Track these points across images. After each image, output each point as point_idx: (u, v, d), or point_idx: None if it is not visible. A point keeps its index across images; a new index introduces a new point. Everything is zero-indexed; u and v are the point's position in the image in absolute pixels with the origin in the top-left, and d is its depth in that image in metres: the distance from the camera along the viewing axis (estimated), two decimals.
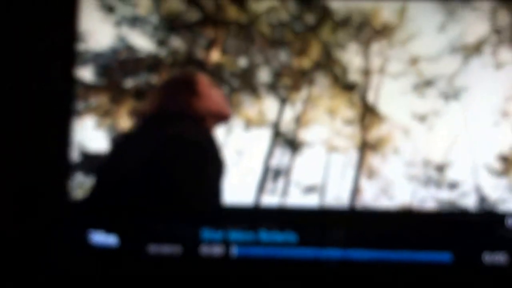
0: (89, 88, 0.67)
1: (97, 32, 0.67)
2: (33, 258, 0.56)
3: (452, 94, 0.63)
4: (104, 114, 0.67)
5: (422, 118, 0.65)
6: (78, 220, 0.58)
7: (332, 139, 0.66)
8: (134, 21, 0.69)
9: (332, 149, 0.65)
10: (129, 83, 0.69)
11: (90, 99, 0.67)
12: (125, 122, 0.67)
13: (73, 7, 0.62)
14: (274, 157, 0.66)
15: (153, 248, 0.57)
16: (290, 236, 0.57)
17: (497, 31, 0.62)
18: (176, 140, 0.58)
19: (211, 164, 0.59)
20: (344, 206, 0.62)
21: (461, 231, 0.57)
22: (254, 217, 0.58)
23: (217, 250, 0.57)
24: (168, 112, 0.62)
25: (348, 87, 0.66)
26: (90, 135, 0.63)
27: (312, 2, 0.67)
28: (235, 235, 0.57)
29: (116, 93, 0.69)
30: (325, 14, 0.67)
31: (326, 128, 0.65)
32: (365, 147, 0.66)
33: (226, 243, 0.57)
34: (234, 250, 0.57)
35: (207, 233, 0.57)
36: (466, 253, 0.56)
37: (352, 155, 0.65)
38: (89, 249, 0.57)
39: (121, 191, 0.57)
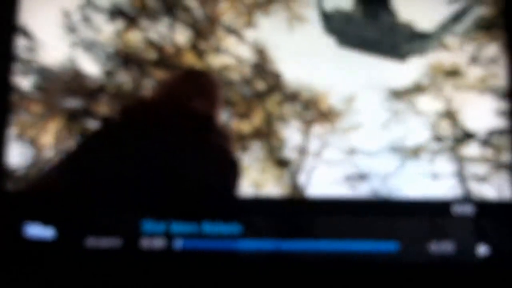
0: (22, 98, 0.64)
1: (51, 46, 0.66)
2: None
3: (383, 195, 0.60)
4: (28, 127, 0.64)
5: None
6: (13, 211, 0.54)
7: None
8: (90, 46, 0.68)
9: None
10: (66, 104, 0.66)
11: (19, 110, 0.64)
12: (47, 140, 0.64)
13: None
14: None
15: (91, 241, 0.52)
16: (234, 228, 0.53)
17: (437, 139, 0.60)
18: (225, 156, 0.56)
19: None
20: (289, 196, 0.60)
21: (407, 220, 0.54)
22: (198, 208, 0.54)
23: (158, 243, 0.53)
24: (198, 115, 0.59)
25: (281, 163, 0.63)
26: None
27: (266, 70, 0.66)
28: (178, 227, 0.53)
29: (49, 110, 0.66)
30: (276, 84, 0.65)
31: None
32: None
33: (168, 236, 0.53)
34: (179, 243, 0.53)
35: (148, 225, 0.53)
36: (413, 242, 0.53)
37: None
38: (24, 242, 0.53)
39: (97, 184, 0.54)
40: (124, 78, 0.68)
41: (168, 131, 0.58)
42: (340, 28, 0.64)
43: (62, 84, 0.67)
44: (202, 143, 0.58)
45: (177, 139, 0.58)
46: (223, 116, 0.66)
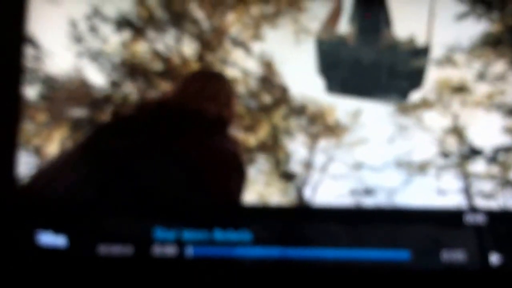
0: (28, 107, 0.64)
1: (58, 56, 0.66)
2: None
3: (389, 209, 0.60)
4: (33, 136, 0.63)
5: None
6: (25, 220, 0.53)
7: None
8: (96, 56, 0.68)
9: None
10: (71, 113, 0.66)
11: (24, 118, 0.64)
12: (51, 149, 0.63)
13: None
14: None
15: (103, 249, 0.52)
16: (244, 235, 0.53)
17: (444, 155, 0.60)
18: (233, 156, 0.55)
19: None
20: (299, 204, 0.58)
21: (419, 229, 0.53)
22: (209, 216, 0.54)
23: (170, 250, 0.52)
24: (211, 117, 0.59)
25: (286, 176, 0.63)
26: None
27: (273, 83, 0.66)
28: (189, 234, 0.52)
29: (54, 119, 0.66)
30: (282, 98, 0.65)
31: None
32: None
33: (180, 243, 0.52)
34: (190, 250, 0.52)
35: (159, 233, 0.52)
36: (424, 251, 0.52)
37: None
38: (37, 250, 0.52)
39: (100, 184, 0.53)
40: (130, 89, 0.68)
41: (179, 133, 0.58)
42: (334, 58, 0.64)
43: (68, 94, 0.67)
44: (210, 146, 0.58)
45: (187, 141, 0.57)
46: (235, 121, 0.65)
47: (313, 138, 0.62)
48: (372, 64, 0.62)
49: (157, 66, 0.68)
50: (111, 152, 0.54)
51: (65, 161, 0.57)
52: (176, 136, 0.55)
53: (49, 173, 0.57)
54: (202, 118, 0.57)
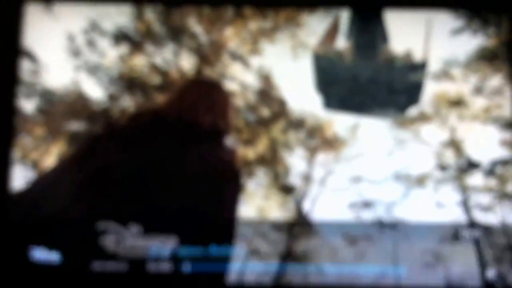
0: (26, 121, 0.64)
1: (55, 70, 0.66)
2: None
3: (388, 223, 0.60)
4: (31, 150, 0.63)
5: (352, 241, 0.61)
6: (19, 236, 0.53)
7: (255, 240, 0.61)
8: (94, 70, 0.68)
9: (253, 253, 0.60)
10: (69, 127, 0.66)
11: (22, 132, 0.64)
12: (49, 163, 0.63)
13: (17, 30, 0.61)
14: None
15: (98, 265, 0.52)
16: (241, 250, 0.53)
17: (442, 168, 0.60)
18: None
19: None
20: (298, 218, 0.60)
21: (415, 244, 0.57)
22: (204, 231, 0.54)
23: (165, 266, 0.52)
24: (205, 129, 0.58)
25: (285, 190, 0.63)
26: None
27: (271, 97, 0.66)
28: (184, 250, 0.52)
29: (52, 133, 0.65)
30: (280, 111, 0.66)
31: (252, 228, 0.61)
32: (289, 257, 0.61)
33: (175, 259, 0.52)
34: (185, 266, 0.52)
35: (154, 249, 0.52)
36: (421, 267, 0.56)
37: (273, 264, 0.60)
38: (30, 266, 0.52)
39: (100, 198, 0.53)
40: (128, 102, 0.68)
41: (173, 144, 0.57)
42: (331, 74, 0.64)
43: (65, 107, 0.67)
44: (206, 156, 0.58)
45: (182, 152, 0.57)
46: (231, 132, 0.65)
47: (312, 151, 0.62)
48: (370, 80, 0.63)
49: (155, 80, 0.68)
50: (104, 165, 0.54)
51: (58, 174, 0.57)
52: (171, 147, 0.55)
53: (42, 187, 0.56)
54: (197, 128, 0.57)
